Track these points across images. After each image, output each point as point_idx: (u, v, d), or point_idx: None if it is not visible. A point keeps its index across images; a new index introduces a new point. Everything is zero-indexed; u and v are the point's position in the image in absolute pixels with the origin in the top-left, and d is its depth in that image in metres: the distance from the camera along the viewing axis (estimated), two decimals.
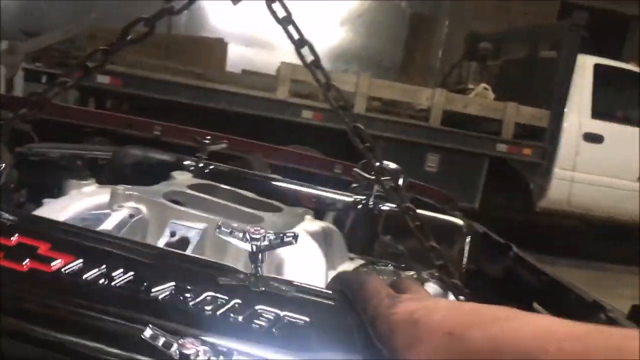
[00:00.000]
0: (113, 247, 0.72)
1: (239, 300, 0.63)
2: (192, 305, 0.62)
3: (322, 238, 1.23)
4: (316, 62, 1.11)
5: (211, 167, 1.47)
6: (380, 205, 1.42)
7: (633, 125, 5.92)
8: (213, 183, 1.28)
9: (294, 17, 1.07)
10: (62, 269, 0.64)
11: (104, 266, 0.65)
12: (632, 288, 5.31)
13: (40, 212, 1.03)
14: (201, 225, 1.01)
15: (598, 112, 5.82)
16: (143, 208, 1.03)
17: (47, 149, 1.61)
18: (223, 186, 1.29)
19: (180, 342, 0.56)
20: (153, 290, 0.63)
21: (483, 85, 5.97)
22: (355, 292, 0.65)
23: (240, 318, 0.62)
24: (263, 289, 0.67)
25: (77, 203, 1.07)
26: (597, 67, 5.86)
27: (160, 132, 1.77)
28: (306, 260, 1.01)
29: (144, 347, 0.57)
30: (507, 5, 9.09)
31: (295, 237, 0.70)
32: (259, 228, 0.69)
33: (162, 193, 1.08)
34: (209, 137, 1.50)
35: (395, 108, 5.66)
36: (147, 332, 0.57)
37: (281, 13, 1.06)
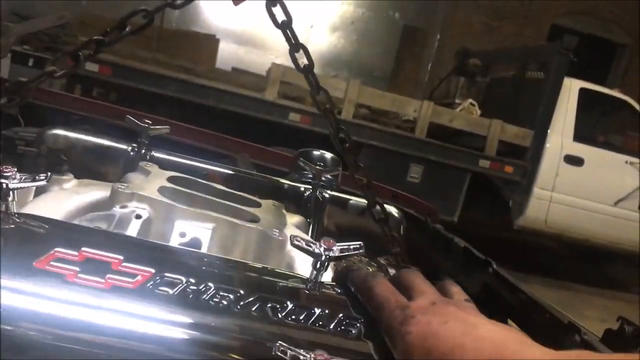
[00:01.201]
0: (185, 260, 0.70)
1: (327, 310, 0.65)
2: (282, 317, 0.62)
3: (305, 230, 1.27)
4: (310, 67, 1.12)
5: (152, 153, 1.40)
6: (323, 194, 1.46)
7: (613, 151, 6.03)
8: (188, 177, 1.25)
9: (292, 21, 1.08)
10: (146, 284, 0.61)
11: (186, 280, 0.63)
12: (600, 310, 5.41)
13: (26, 210, 0.96)
14: (210, 225, 0.99)
15: (580, 136, 5.92)
16: (147, 207, 0.99)
17: (30, 134, 1.58)
18: (199, 180, 1.26)
19: (310, 355, 0.57)
20: (241, 303, 0.63)
21: (470, 100, 6.03)
22: (364, 295, 0.66)
23: (330, 327, 0.63)
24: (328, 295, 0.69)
25: (68, 201, 1.01)
26: (583, 91, 5.97)
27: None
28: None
29: None
30: (498, 24, 9.22)
31: (362, 246, 0.74)
32: (329, 240, 0.72)
33: (156, 190, 1.05)
34: (149, 121, 1.40)
35: (381, 117, 5.70)
36: (278, 348, 0.57)
37: (280, 17, 1.07)
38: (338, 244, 0.72)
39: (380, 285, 0.66)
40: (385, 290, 0.65)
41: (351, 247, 0.73)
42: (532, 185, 5.84)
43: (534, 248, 7.14)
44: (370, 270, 1.22)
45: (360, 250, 0.73)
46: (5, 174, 0.73)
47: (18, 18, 5.18)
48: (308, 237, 0.74)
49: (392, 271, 1.27)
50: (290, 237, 0.74)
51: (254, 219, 1.06)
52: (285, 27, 1.06)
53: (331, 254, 0.72)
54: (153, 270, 0.63)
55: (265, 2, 1.03)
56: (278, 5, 1.05)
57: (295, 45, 1.09)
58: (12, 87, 1.04)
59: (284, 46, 1.09)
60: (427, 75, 8.60)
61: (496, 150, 5.61)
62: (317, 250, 0.72)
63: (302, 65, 1.12)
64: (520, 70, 6.35)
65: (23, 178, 0.74)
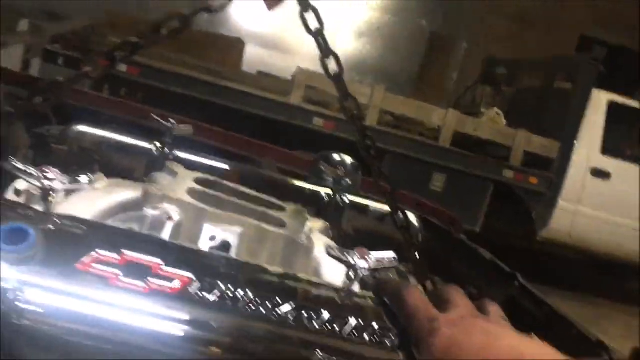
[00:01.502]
0: (223, 266, 0.72)
1: (361, 320, 0.66)
2: (318, 326, 0.64)
3: (327, 235, 1.27)
4: (339, 74, 1.12)
5: (175, 153, 1.41)
6: (343, 198, 1.46)
7: None
8: (214, 178, 1.26)
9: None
10: (186, 289, 0.62)
11: (224, 286, 0.64)
12: (622, 327, 5.30)
13: (59, 210, 0.98)
14: (239, 229, 1.00)
15: (608, 149, 5.82)
16: (178, 210, 0.99)
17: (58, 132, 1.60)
18: (224, 182, 1.27)
19: None
20: (277, 310, 0.64)
21: (496, 110, 5.97)
22: (396, 305, 0.66)
23: (365, 337, 0.65)
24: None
25: (100, 202, 1.02)
26: (611, 104, 5.87)
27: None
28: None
29: None
30: (525, 33, 9.12)
31: (395, 259, 0.76)
32: (364, 250, 0.74)
33: (185, 192, 1.06)
34: (172, 120, 1.40)
35: (405, 124, 5.67)
36: (317, 356, 0.59)
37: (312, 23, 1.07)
38: (372, 253, 0.73)
39: (412, 295, 0.65)
40: (417, 300, 0.64)
41: (385, 258, 0.73)
42: (557, 198, 5.76)
43: (558, 260, 7.03)
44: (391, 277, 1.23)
45: (395, 263, 0.73)
46: (49, 175, 0.74)
47: (48, 17, 5.27)
48: (340, 247, 0.75)
49: (411, 278, 1.27)
50: (326, 247, 0.75)
51: (281, 224, 1.06)
52: (318, 33, 1.07)
53: (366, 265, 0.72)
54: (192, 276, 0.63)
55: (298, 8, 1.04)
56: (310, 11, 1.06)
57: (326, 52, 1.09)
58: (45, 87, 1.05)
59: (310, 51, 1.10)
60: (452, 83, 8.54)
61: (521, 160, 5.54)
62: (352, 261, 0.72)
63: (331, 72, 1.13)
64: (547, 81, 6.28)
65: (65, 180, 0.76)
